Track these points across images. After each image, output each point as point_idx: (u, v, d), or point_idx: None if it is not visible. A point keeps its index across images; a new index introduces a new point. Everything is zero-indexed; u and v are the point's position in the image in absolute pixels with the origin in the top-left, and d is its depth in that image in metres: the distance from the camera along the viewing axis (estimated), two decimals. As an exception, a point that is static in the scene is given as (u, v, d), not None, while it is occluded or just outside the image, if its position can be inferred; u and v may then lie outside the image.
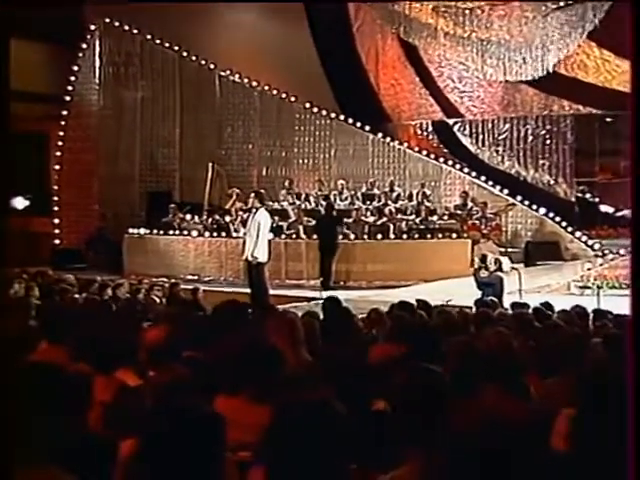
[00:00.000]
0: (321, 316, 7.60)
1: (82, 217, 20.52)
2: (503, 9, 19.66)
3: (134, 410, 3.36)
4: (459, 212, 17.44)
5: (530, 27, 19.42)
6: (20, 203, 20.66)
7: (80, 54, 20.54)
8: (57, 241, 20.61)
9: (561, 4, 19.01)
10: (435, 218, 17.28)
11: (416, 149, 19.88)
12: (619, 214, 19.13)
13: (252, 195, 13.77)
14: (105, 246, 19.81)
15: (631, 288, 2.62)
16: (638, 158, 2.59)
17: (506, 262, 13.00)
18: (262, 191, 14.75)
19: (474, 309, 10.06)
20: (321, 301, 14.27)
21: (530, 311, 8.05)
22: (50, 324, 5.10)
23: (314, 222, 17.08)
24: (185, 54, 20.49)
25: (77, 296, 13.41)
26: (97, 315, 6.38)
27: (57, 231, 20.60)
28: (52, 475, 2.46)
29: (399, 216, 17.18)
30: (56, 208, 20.62)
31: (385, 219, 17.11)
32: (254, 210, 13.29)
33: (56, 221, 20.62)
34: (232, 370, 3.73)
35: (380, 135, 19.96)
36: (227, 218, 18.43)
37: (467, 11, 19.96)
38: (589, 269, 14.63)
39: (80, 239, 20.37)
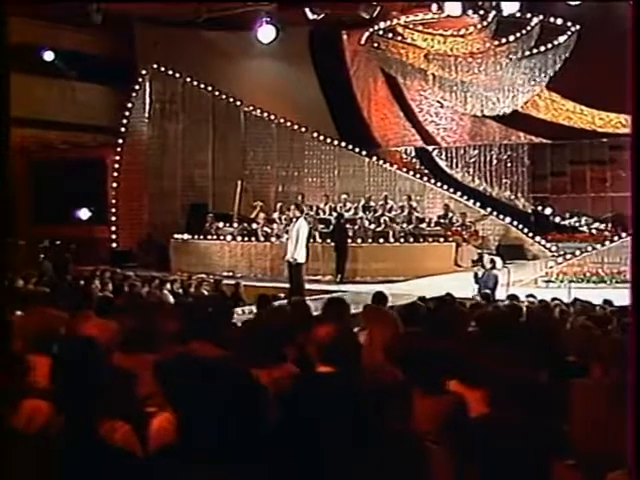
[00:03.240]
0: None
1: (134, 225, 20.31)
2: (481, 57, 19.66)
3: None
4: (442, 221, 17.52)
5: (503, 72, 19.41)
6: (84, 214, 20.51)
7: (133, 94, 20.33)
8: (114, 244, 20.43)
9: (527, 53, 19.13)
10: (424, 225, 17.34)
11: (404, 170, 19.94)
12: (565, 222, 19.23)
13: (293, 207, 13.69)
14: (153, 248, 19.72)
15: (631, 287, 2.50)
16: (638, 159, 2.46)
17: (499, 261, 13.05)
18: (301, 204, 14.63)
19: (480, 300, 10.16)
20: (338, 294, 14.47)
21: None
22: (200, 322, 4.40)
23: (327, 229, 17.08)
24: (217, 94, 20.41)
25: (142, 290, 13.44)
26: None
27: (114, 236, 20.41)
28: None
29: (395, 224, 17.23)
30: (113, 218, 20.41)
31: (383, 226, 17.15)
32: (294, 219, 13.13)
33: (113, 228, 20.41)
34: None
35: (375, 158, 20.03)
36: (254, 225, 18.40)
37: (452, 58, 19.91)
38: (551, 267, 14.69)
39: (132, 243, 20.20)
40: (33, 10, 17.06)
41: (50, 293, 8.93)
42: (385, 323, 4.64)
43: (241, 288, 14.57)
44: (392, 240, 16.67)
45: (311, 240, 16.84)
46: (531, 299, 9.55)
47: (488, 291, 11.44)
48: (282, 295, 13.03)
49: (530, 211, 19.58)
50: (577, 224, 19.03)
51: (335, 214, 17.60)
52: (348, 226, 16.93)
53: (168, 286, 14.17)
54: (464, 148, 20.76)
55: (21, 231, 17.59)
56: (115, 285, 13.71)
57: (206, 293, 14.44)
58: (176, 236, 18.81)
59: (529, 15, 18.47)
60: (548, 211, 19.28)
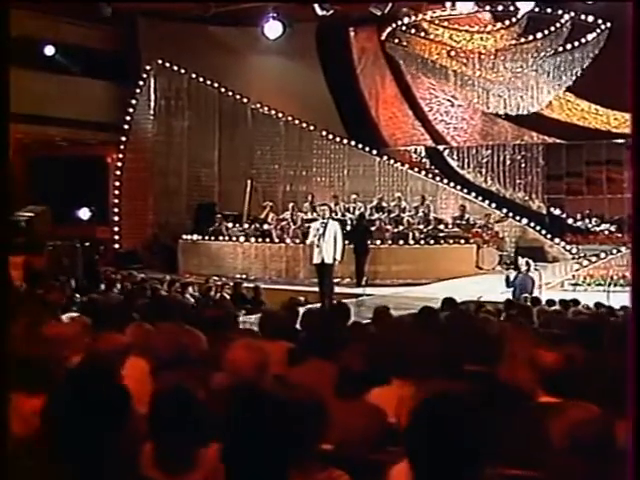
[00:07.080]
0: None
1: (139, 225, 20.21)
2: (505, 54, 19.68)
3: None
4: (458, 222, 17.65)
5: (528, 70, 19.49)
6: (85, 214, 20.41)
7: (138, 90, 20.26)
8: (117, 245, 20.32)
9: (553, 51, 19.20)
10: (442, 227, 17.46)
11: (415, 170, 20.06)
12: (579, 224, 19.44)
13: (323, 207, 13.73)
14: (159, 249, 19.68)
15: (632, 288, 2.52)
16: (638, 158, 2.50)
17: (532, 264, 13.16)
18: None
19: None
20: (362, 297, 14.53)
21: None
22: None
23: (343, 230, 17.06)
24: (223, 90, 20.41)
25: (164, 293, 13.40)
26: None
27: (117, 237, 20.28)
28: None
29: (414, 225, 17.30)
30: (116, 218, 20.29)
31: (402, 228, 17.24)
32: (325, 221, 13.09)
33: (116, 229, 20.27)
34: None
35: (385, 157, 20.14)
36: (265, 226, 18.41)
37: (476, 55, 19.93)
38: (577, 269, 14.90)
39: (137, 243, 20.11)
40: (36, 3, 16.94)
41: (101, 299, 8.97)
42: (526, 339, 4.51)
43: (261, 291, 14.55)
44: (412, 242, 16.75)
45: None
46: (584, 305, 9.67)
47: (527, 295, 11.57)
48: (302, 299, 13.05)
49: (544, 212, 19.73)
50: (589, 225, 19.27)
51: (349, 214, 17.71)
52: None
53: (190, 289, 14.18)
54: (476, 148, 20.80)
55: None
56: (134, 288, 13.67)
57: (227, 297, 14.47)
58: (185, 237, 18.76)
59: (560, 12, 18.61)
60: (557, 212, 19.49)
